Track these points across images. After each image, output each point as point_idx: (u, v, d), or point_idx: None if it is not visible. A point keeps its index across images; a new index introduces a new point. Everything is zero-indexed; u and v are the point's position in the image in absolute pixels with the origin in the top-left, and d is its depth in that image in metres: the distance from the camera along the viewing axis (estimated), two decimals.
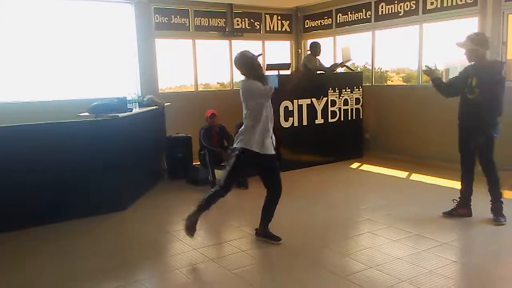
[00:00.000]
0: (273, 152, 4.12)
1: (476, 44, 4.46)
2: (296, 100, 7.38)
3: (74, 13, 7.28)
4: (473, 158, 4.69)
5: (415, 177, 6.77)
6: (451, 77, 5.05)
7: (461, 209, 4.78)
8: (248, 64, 4.04)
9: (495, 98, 4.42)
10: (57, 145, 4.94)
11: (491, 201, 4.63)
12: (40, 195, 4.81)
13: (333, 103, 7.82)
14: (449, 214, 4.80)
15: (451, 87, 4.75)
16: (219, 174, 6.45)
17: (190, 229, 4.13)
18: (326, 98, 7.73)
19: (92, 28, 7.45)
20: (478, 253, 3.97)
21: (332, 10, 8.97)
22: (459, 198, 4.81)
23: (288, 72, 7.77)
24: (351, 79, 8.15)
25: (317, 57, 7.93)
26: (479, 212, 4.76)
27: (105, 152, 5.18)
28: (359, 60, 9.16)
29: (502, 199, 4.61)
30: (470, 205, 4.78)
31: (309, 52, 8.07)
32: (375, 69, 8.51)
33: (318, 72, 7.94)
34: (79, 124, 5.26)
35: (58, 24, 7.16)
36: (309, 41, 8.52)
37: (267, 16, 9.40)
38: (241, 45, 8.99)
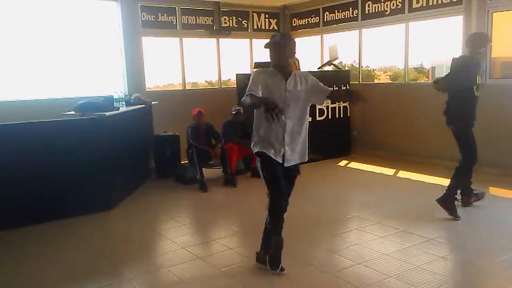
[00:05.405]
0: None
1: None
2: None
3: (59, 11, 7.19)
4: None
5: (402, 174, 6.82)
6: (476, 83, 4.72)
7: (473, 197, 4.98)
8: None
9: None
10: (42, 144, 4.87)
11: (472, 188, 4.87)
12: (25, 195, 4.72)
13: None
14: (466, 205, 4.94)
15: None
16: (207, 172, 6.46)
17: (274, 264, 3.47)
18: None
19: (78, 26, 7.36)
20: (465, 249, 4.01)
21: (319, 8, 9.00)
22: (460, 194, 4.87)
23: None
24: (339, 77, 8.17)
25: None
26: (467, 208, 4.83)
27: (91, 151, 5.12)
28: (347, 59, 9.22)
29: None
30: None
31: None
32: (362, 67, 8.56)
33: None
34: (65, 123, 5.21)
35: (43, 23, 7.05)
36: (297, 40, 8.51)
37: (255, 15, 9.39)
38: (228, 44, 9.01)
